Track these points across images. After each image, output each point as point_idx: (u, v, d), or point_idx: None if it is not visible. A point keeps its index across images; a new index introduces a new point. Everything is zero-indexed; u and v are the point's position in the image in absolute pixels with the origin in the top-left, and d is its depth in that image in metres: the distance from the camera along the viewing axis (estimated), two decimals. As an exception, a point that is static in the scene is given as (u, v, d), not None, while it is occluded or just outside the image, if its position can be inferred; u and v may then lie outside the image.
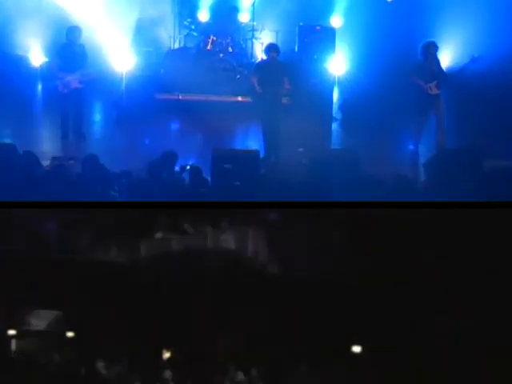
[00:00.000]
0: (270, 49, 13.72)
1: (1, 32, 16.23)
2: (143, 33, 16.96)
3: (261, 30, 17.29)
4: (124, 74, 15.58)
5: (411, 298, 9.18)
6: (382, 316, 9.21)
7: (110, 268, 9.54)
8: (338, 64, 16.27)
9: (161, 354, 9.58)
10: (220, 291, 9.29)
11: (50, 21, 16.10)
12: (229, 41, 16.99)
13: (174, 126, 15.92)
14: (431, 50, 13.18)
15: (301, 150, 13.39)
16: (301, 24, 16.50)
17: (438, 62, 13.30)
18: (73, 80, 13.75)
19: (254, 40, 17.36)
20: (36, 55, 16.79)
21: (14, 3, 16.39)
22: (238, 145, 14.56)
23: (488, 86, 13.51)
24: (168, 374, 9.46)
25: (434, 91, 13.13)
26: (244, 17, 17.72)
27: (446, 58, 16.37)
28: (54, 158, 12.40)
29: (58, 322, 9.56)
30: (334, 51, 15.93)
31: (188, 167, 10.68)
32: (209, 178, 10.75)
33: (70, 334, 9.52)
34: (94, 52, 14.61)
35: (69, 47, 13.91)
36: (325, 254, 9.34)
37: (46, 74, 15.84)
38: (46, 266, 9.47)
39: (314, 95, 15.56)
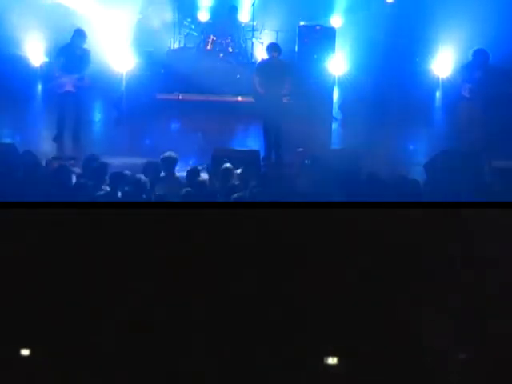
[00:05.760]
0: (272, 48, 13.74)
1: (1, 32, 16.21)
2: (143, 33, 16.96)
3: (261, 30, 17.30)
4: (124, 74, 15.60)
5: (411, 297, 9.19)
6: (380, 316, 9.22)
7: (108, 267, 9.54)
8: (338, 64, 16.27)
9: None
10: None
11: (50, 21, 16.10)
12: (229, 41, 17.01)
13: (174, 125, 15.92)
14: (479, 56, 13.10)
15: (301, 149, 13.40)
16: (301, 24, 16.51)
17: (482, 70, 13.09)
18: (68, 82, 13.72)
19: (253, 40, 17.36)
20: (36, 55, 16.78)
21: (15, 3, 16.38)
22: (238, 145, 14.55)
23: (487, 86, 13.47)
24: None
25: (465, 93, 13.12)
26: (244, 17, 17.73)
27: (446, 58, 16.46)
28: (53, 158, 12.41)
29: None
30: (333, 51, 15.93)
31: (202, 167, 10.77)
32: (209, 178, 10.76)
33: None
34: (94, 52, 14.61)
35: (70, 48, 13.90)
36: (324, 254, 9.33)
37: (46, 73, 15.85)
38: (46, 265, 9.47)
39: (314, 95, 15.55)
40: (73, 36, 13.91)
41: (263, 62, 14.36)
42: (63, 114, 14.01)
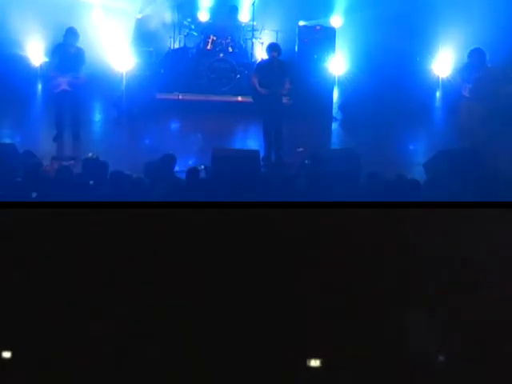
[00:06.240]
0: (272, 48, 13.73)
1: (1, 32, 16.21)
2: (143, 33, 16.96)
3: (261, 30, 17.28)
4: (124, 74, 15.59)
5: (411, 297, 9.19)
6: (381, 315, 9.22)
7: (108, 267, 9.55)
8: (338, 64, 16.27)
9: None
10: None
11: (50, 21, 16.08)
12: (229, 41, 17.00)
13: (174, 125, 15.91)
14: (476, 56, 13.14)
15: (301, 149, 13.40)
16: (301, 24, 16.50)
17: (481, 70, 13.14)
18: (63, 81, 13.69)
19: (253, 40, 17.35)
20: (36, 55, 16.78)
21: (15, 3, 16.38)
22: (238, 145, 14.55)
23: (487, 86, 13.46)
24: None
25: (465, 93, 13.16)
26: (244, 17, 17.72)
27: (446, 58, 16.46)
28: (54, 158, 12.41)
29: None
30: (334, 51, 15.93)
31: (201, 167, 10.75)
32: (209, 178, 10.77)
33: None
34: (94, 52, 14.60)
35: (63, 48, 13.85)
36: (324, 254, 9.34)
37: (46, 73, 15.83)
38: (46, 265, 9.47)
39: (314, 95, 15.56)
40: (65, 35, 13.87)
41: (263, 61, 14.34)
42: (61, 113, 13.99)
